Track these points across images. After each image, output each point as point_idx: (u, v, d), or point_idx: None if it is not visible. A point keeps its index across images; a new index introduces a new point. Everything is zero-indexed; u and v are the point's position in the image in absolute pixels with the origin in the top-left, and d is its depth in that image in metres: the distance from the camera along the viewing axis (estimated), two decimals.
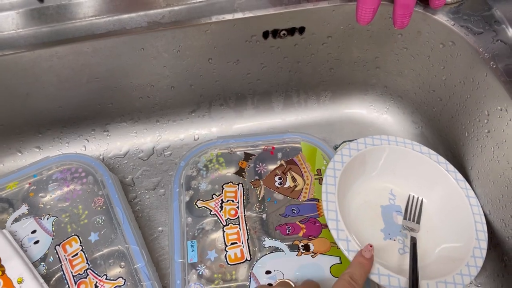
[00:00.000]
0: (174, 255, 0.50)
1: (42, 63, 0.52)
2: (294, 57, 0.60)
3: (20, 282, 0.47)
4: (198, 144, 0.60)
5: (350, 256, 0.45)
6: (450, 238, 0.51)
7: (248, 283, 0.49)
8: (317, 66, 0.63)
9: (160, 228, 0.58)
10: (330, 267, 0.50)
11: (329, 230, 0.49)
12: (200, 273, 0.50)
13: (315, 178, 0.57)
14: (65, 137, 0.64)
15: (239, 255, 0.51)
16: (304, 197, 0.56)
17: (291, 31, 0.56)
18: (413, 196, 0.56)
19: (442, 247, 0.51)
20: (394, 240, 0.53)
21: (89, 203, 0.54)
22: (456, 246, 0.50)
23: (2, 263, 0.48)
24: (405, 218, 0.54)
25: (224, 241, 0.52)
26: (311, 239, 0.52)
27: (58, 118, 0.61)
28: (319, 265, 0.50)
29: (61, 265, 0.50)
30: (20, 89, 0.54)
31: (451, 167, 0.54)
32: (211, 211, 0.54)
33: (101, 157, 0.64)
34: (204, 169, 0.58)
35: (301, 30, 0.56)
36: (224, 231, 0.53)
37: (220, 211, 0.54)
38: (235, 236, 0.53)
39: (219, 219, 0.54)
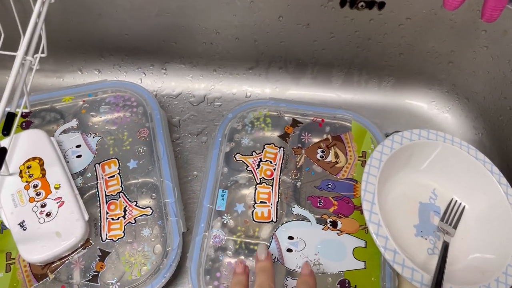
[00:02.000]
0: (203, 199, 0.51)
1: None
2: (366, 33, 0.58)
3: (56, 187, 0.49)
4: (249, 100, 0.60)
5: (378, 241, 0.44)
6: (485, 248, 0.49)
7: (269, 243, 0.49)
8: (387, 47, 0.60)
9: (195, 173, 0.59)
10: (354, 249, 0.49)
11: (361, 213, 0.48)
12: (225, 222, 0.50)
13: (359, 160, 0.56)
14: (125, 66, 0.65)
15: (266, 214, 0.51)
16: (343, 175, 0.55)
17: (370, 4, 0.54)
18: (456, 200, 0.53)
19: (474, 256, 0.49)
20: (426, 239, 0.51)
21: (134, 132, 0.56)
22: (489, 258, 0.48)
23: (45, 166, 0.50)
24: (442, 220, 0.52)
25: (254, 198, 0.52)
26: (341, 217, 0.51)
27: (122, 46, 0.62)
28: (343, 244, 0.50)
29: (97, 183, 0.52)
30: (94, 8, 0.56)
31: (503, 180, 0.51)
32: (248, 166, 0.54)
33: (154, 93, 0.65)
34: (250, 125, 0.58)
35: (381, 5, 0.54)
36: (256, 189, 0.53)
37: (256, 168, 0.54)
38: (266, 196, 0.53)
39: (254, 176, 0.54)
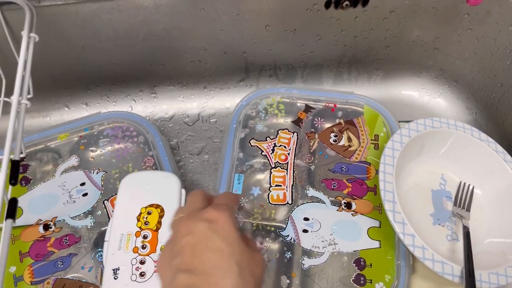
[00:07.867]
0: (219, 187, 0.52)
1: (102, 15, 0.51)
2: (352, 31, 0.59)
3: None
4: (262, 88, 0.61)
5: (406, 240, 0.44)
6: (502, 233, 0.50)
7: (285, 225, 0.50)
8: (373, 42, 0.61)
9: None
10: (368, 229, 0.50)
11: (375, 194, 0.52)
12: (242, 204, 0.51)
13: (371, 143, 0.56)
14: (113, 95, 0.64)
15: (281, 197, 0.52)
16: (356, 158, 0.55)
17: (354, 2, 0.54)
18: (464, 183, 0.54)
19: (491, 240, 0.49)
20: (443, 226, 0.51)
21: (139, 162, 0.54)
22: (507, 242, 0.48)
23: (162, 220, 0.47)
24: (455, 205, 0.53)
25: (270, 182, 0.53)
26: (355, 199, 0.52)
27: (109, 76, 0.61)
28: (358, 224, 0.51)
29: (109, 220, 0.50)
30: (77, 41, 0.54)
31: (509, 157, 0.52)
32: (263, 151, 0.55)
33: (147, 118, 0.64)
34: (264, 112, 0.58)
35: (365, 1, 0.54)
36: (271, 173, 0.54)
37: (271, 153, 0.55)
38: (281, 180, 0.53)
39: (269, 161, 0.55)
